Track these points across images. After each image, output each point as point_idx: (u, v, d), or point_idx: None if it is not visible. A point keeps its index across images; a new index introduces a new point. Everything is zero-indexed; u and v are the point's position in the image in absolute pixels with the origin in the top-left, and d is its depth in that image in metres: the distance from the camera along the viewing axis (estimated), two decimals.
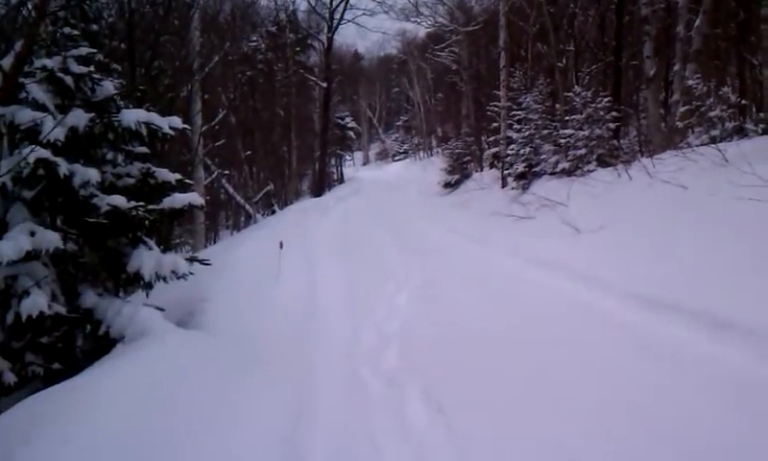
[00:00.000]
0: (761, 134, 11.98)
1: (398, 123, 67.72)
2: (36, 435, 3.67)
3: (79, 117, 6.17)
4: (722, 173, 9.05)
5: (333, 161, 47.95)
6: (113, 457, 3.68)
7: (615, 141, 16.09)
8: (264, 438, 4.42)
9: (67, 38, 6.84)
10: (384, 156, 68.60)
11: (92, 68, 6.70)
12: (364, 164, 68.83)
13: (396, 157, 63.17)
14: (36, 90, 6.17)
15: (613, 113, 15.98)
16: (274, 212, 28.05)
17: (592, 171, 14.79)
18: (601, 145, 15.52)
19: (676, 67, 15.83)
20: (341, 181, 46.92)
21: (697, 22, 14.97)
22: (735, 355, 4.93)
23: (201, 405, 4.60)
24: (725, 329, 5.38)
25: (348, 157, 59.04)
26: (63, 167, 5.71)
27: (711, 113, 13.10)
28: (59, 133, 5.83)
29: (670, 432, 3.98)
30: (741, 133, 13.00)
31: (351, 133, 51.66)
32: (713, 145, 10.74)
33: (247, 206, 27.63)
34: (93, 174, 6.01)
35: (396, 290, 9.30)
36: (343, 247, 14.71)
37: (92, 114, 6.36)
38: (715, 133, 12.84)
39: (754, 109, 17.04)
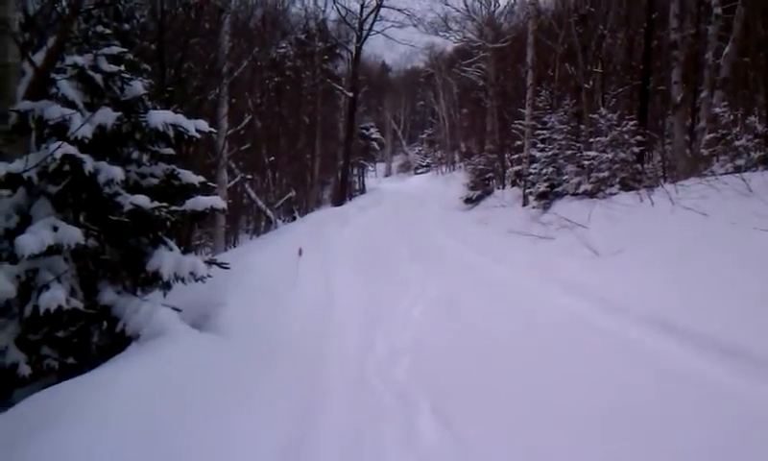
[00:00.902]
0: None
1: (422, 136, 67.75)
2: (44, 430, 3.70)
3: (107, 115, 6.23)
4: (745, 203, 8.99)
5: (356, 171, 48.04)
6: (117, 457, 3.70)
7: (639, 165, 16.01)
8: (271, 442, 4.44)
9: (99, 37, 6.90)
10: (407, 168, 68.67)
11: (122, 67, 6.75)
12: (386, 176, 68.94)
13: (419, 171, 63.21)
14: (66, 87, 6.23)
15: (638, 137, 15.90)
16: (294, 219, 28.09)
17: (615, 194, 14.72)
18: (624, 169, 15.45)
19: (703, 94, 15.75)
20: (362, 191, 47.01)
21: (726, 50, 14.88)
22: (742, 383, 5.00)
23: (210, 408, 4.63)
24: (734, 357, 5.47)
25: (370, 167, 59.10)
26: (89, 164, 5.76)
27: (737, 142, 13.01)
28: (86, 131, 5.89)
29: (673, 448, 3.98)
30: (766, 163, 12.91)
31: (375, 144, 51.78)
32: (738, 174, 10.67)
33: (268, 212, 27.70)
34: (118, 172, 6.06)
35: (411, 304, 9.32)
36: (361, 258, 14.73)
37: (120, 113, 6.41)
38: (740, 162, 12.75)
39: None
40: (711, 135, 14.02)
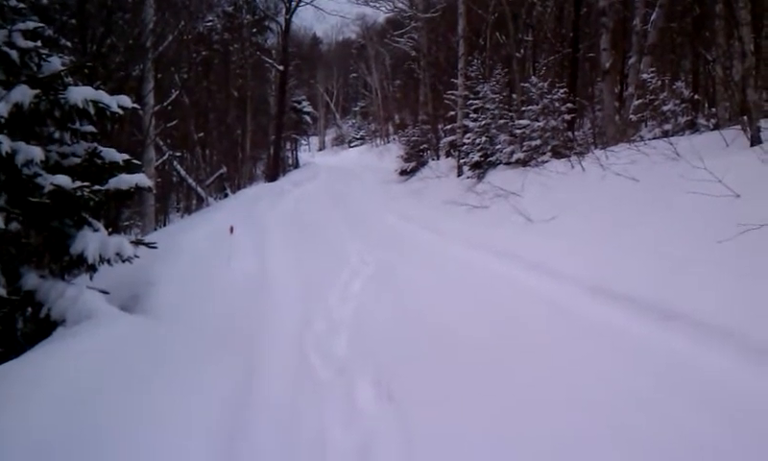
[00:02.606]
0: (713, 130, 12.17)
1: (356, 109, 67.56)
2: None
3: (24, 93, 5.95)
4: (673, 167, 9.16)
5: (289, 146, 47.55)
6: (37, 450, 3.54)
7: (570, 133, 16.22)
8: (205, 426, 4.31)
9: (14, 11, 6.61)
10: (340, 141, 68.35)
11: (39, 43, 6.49)
12: (320, 150, 68.52)
13: (353, 144, 62.97)
14: None
15: (569, 105, 16.09)
16: (226, 196, 27.70)
17: (547, 162, 14.88)
18: (556, 136, 15.62)
19: (632, 60, 16.02)
20: (296, 166, 46.59)
21: (653, 16, 15.15)
22: (680, 342, 5.13)
23: (140, 394, 4.46)
24: (670, 318, 5.58)
25: (303, 141, 58.67)
26: (6, 145, 5.53)
27: (665, 107, 13.28)
28: (2, 110, 5.63)
29: (609, 407, 4.04)
30: (693, 127, 13.22)
31: (308, 118, 51.24)
32: (666, 139, 10.87)
33: (199, 190, 27.23)
34: (37, 152, 5.82)
35: (349, 277, 9.25)
36: (297, 233, 14.60)
37: (38, 91, 6.14)
38: (668, 127, 13.03)
39: (706, 105, 17.32)
40: (640, 101, 14.26)
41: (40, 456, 3.46)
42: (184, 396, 4.62)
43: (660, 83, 13.73)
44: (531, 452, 3.79)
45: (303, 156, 54.46)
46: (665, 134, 12.27)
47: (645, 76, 14.11)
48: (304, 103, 49.61)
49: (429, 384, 4.91)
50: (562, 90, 16.17)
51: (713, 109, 14.30)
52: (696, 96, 15.64)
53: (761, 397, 4.10)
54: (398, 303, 7.56)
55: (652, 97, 13.62)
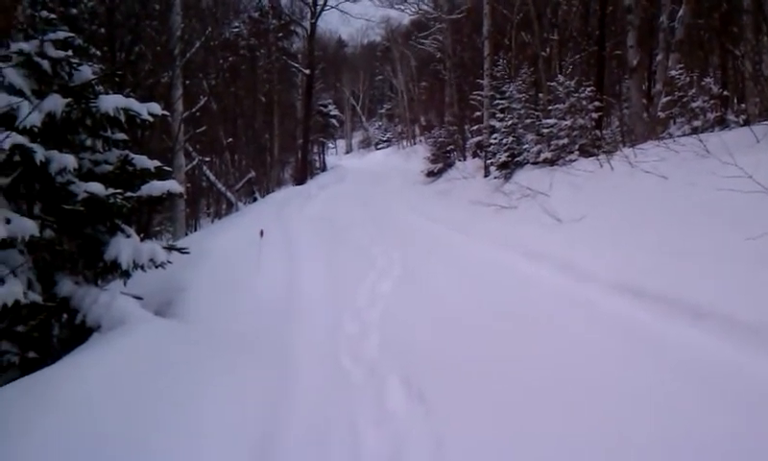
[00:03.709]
0: (743, 126, 12.03)
1: (382, 111, 67.63)
2: (11, 426, 3.61)
3: (56, 102, 6.06)
4: (703, 164, 9.08)
5: (316, 149, 47.75)
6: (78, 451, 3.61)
7: (598, 131, 16.11)
8: (243, 431, 4.37)
9: (45, 22, 6.73)
10: (367, 144, 68.47)
11: (70, 53, 6.59)
12: (347, 152, 68.70)
13: (380, 146, 63.05)
14: (13, 75, 6.04)
15: (596, 103, 15.98)
16: (255, 200, 27.87)
17: (574, 161, 14.80)
18: (583, 135, 15.52)
19: (659, 57, 15.89)
20: (323, 169, 46.78)
21: (680, 12, 15.02)
22: (711, 342, 5.07)
23: (176, 400, 4.53)
24: (702, 318, 5.51)
25: (330, 144, 58.87)
26: (40, 154, 5.61)
27: (693, 104, 13.14)
28: (35, 119, 5.72)
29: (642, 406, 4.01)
30: (723, 124, 13.07)
31: (334, 121, 51.50)
32: (695, 136, 10.77)
33: (228, 194, 27.44)
34: (70, 160, 5.92)
35: (378, 278, 9.28)
36: (325, 235, 14.64)
37: (70, 100, 6.25)
38: (697, 123, 12.89)
39: (735, 101, 17.13)
40: (668, 98, 14.14)
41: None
42: (221, 399, 4.70)
43: (688, 79, 13.59)
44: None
45: (330, 159, 54.66)
46: (694, 131, 12.15)
47: (673, 73, 13.99)
48: (331, 106, 49.88)
49: (459, 384, 4.92)
50: (589, 88, 16.06)
51: (743, 105, 14.15)
52: (725, 92, 15.46)
53: None
54: (427, 305, 7.56)
55: (680, 94, 13.48)
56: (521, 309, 6.84)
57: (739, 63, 16.55)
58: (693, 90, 13.33)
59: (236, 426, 4.38)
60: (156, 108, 6.89)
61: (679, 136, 12.06)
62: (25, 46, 6.23)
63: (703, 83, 13.79)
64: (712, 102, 13.40)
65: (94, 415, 3.92)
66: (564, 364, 5.12)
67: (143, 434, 3.93)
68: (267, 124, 34.03)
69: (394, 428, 4.38)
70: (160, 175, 7.07)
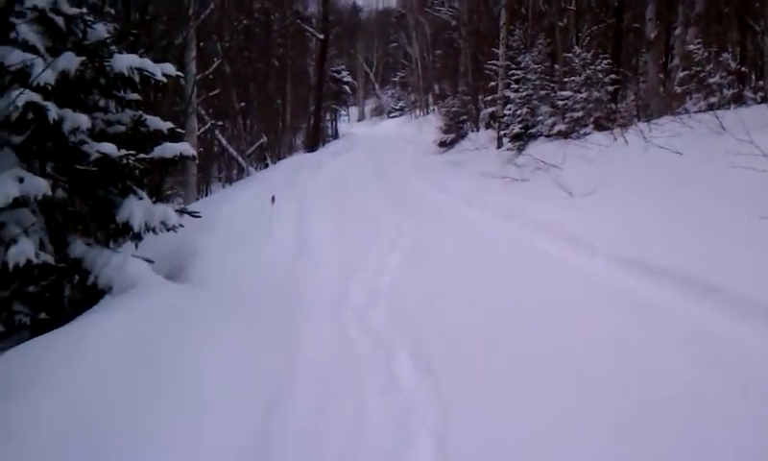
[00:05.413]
0: (760, 103, 11.91)
1: (395, 79, 67.06)
2: (18, 388, 3.65)
3: (70, 60, 6.00)
4: (718, 141, 9.00)
5: (328, 116, 47.51)
6: (92, 409, 3.65)
7: (613, 105, 15.98)
8: (249, 389, 4.41)
9: None
10: (380, 112, 68.07)
11: (84, 10, 6.53)
12: (359, 120, 68.36)
13: (392, 114, 62.66)
14: (27, 31, 5.99)
15: (612, 76, 15.84)
16: (267, 166, 27.83)
17: (589, 134, 14.70)
18: (599, 108, 15.41)
19: (677, 31, 15.69)
20: (335, 136, 46.58)
21: None
22: (719, 319, 5.04)
23: (185, 364, 4.57)
24: (710, 294, 5.48)
25: (343, 112, 58.52)
26: (53, 112, 5.58)
27: (711, 80, 13.01)
28: (49, 77, 5.68)
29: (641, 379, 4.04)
30: (740, 100, 12.93)
31: (347, 88, 51.12)
32: (711, 112, 10.67)
33: (240, 159, 27.38)
34: (84, 120, 5.88)
35: (388, 248, 9.28)
36: (335, 204, 14.65)
37: (83, 58, 6.19)
38: (714, 99, 12.77)
39: (753, 77, 16.93)
40: (685, 73, 14.00)
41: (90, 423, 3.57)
42: (229, 364, 4.73)
43: (706, 54, 13.43)
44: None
45: (342, 126, 54.37)
46: (711, 107, 12.04)
47: (691, 47, 13.82)
48: (344, 73, 49.46)
49: (467, 356, 4.94)
50: (605, 61, 15.91)
51: (761, 82, 13.98)
52: (743, 68, 15.27)
53: None
54: (435, 276, 7.58)
55: (698, 69, 13.34)
56: (532, 282, 6.84)
57: (759, 39, 16.32)
58: (711, 66, 13.19)
59: (241, 393, 4.42)
60: (170, 68, 6.83)
61: (695, 112, 11.95)
62: (39, 2, 6.17)
63: (721, 58, 13.64)
64: (730, 78, 13.26)
65: (97, 378, 3.95)
66: (570, 335, 5.14)
67: (144, 395, 3.96)
68: (280, 89, 33.82)
69: (400, 397, 4.41)
70: (174, 137, 7.04)
